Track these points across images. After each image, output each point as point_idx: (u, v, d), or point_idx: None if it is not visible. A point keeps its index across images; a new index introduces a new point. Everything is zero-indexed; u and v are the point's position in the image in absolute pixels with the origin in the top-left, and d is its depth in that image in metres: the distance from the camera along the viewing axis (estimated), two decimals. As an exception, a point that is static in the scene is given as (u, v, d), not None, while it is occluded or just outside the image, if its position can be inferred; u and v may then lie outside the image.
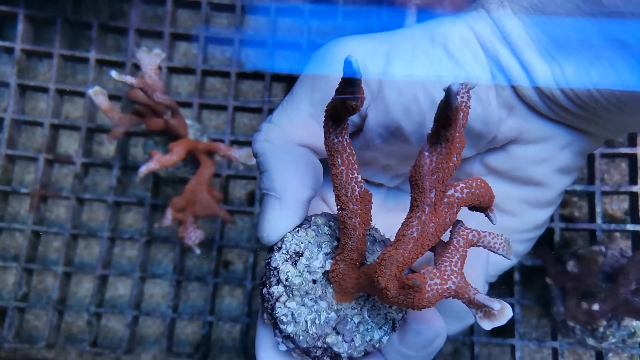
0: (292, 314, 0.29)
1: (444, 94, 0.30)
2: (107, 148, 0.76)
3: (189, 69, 0.76)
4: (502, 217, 0.35)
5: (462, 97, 0.26)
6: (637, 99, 0.28)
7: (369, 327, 0.30)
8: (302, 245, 0.30)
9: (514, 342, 0.66)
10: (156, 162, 0.56)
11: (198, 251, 0.61)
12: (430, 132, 0.24)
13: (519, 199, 0.35)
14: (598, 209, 0.67)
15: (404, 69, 0.31)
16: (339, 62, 0.31)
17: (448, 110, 0.22)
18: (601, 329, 0.58)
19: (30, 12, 0.74)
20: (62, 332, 0.72)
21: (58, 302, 0.70)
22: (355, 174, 0.26)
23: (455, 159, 0.24)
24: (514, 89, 0.31)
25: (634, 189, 0.67)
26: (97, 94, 0.59)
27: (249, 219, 0.75)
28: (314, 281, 0.30)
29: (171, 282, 0.71)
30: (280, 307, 0.29)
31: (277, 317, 0.29)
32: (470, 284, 0.26)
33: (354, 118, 0.33)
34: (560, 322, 0.62)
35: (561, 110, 0.31)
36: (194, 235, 0.60)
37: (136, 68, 0.74)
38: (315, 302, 0.29)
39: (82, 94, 0.75)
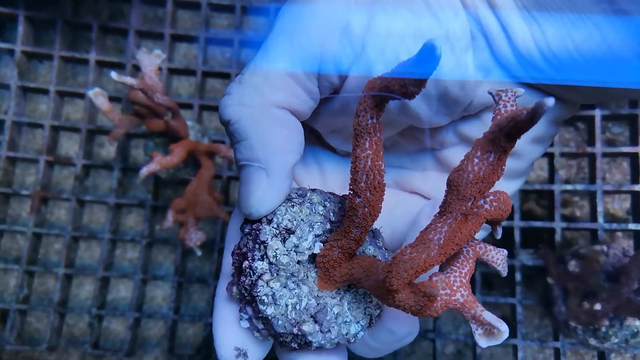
0: (274, 295, 0.27)
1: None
2: (108, 150, 0.76)
3: (189, 70, 0.75)
4: None
5: (512, 107, 0.24)
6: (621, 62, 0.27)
7: (347, 319, 0.28)
8: (294, 222, 0.28)
9: (517, 343, 0.66)
10: (157, 163, 0.56)
11: (199, 253, 0.60)
12: (484, 136, 0.22)
13: None
14: (600, 209, 0.67)
15: (386, 23, 0.29)
16: (322, 14, 0.28)
17: (525, 124, 0.20)
18: (603, 329, 0.58)
19: (30, 14, 0.74)
20: (63, 334, 0.72)
21: (59, 304, 0.70)
22: (380, 162, 0.24)
23: (501, 171, 0.23)
24: (492, 50, 0.30)
25: (636, 188, 0.67)
26: (98, 96, 0.59)
27: (250, 220, 0.75)
28: (299, 262, 0.28)
29: (172, 284, 0.71)
30: (262, 286, 0.27)
31: (256, 295, 0.27)
32: (476, 299, 0.26)
33: (333, 79, 0.30)
34: (562, 322, 0.62)
35: (536, 72, 0.30)
36: (195, 237, 0.60)
37: (136, 69, 0.74)
38: (297, 285, 0.27)
39: (82, 96, 0.75)
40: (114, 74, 0.54)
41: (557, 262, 0.62)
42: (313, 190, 0.30)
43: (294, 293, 0.27)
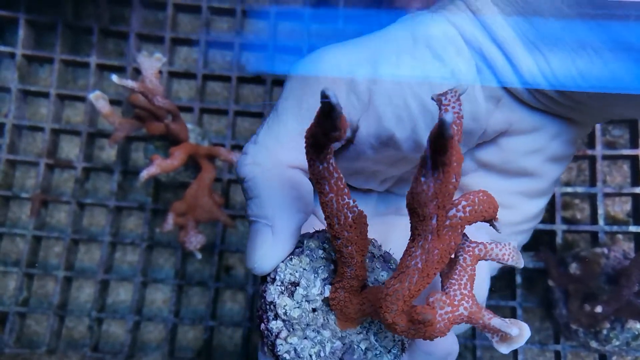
0: (295, 350, 0.27)
1: (433, 97, 0.29)
2: (108, 153, 0.76)
3: (189, 74, 0.76)
4: (498, 212, 0.35)
5: (454, 108, 0.24)
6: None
7: (378, 352, 0.28)
8: (297, 274, 0.28)
9: (517, 345, 0.66)
10: (157, 166, 0.56)
11: (199, 256, 0.60)
12: (424, 155, 0.22)
13: (513, 192, 0.35)
14: (600, 211, 0.67)
15: (391, 74, 0.30)
16: (327, 73, 0.30)
17: (442, 140, 0.20)
18: (604, 332, 0.58)
19: (31, 18, 0.74)
20: (63, 337, 0.72)
21: (59, 307, 0.70)
22: (346, 200, 0.24)
23: (454, 180, 0.22)
24: (499, 81, 0.31)
25: (636, 190, 0.67)
26: (98, 99, 0.59)
27: (250, 223, 0.75)
28: (314, 310, 0.28)
29: (173, 287, 0.71)
30: (281, 345, 0.27)
31: (279, 354, 0.27)
32: (483, 307, 0.25)
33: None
34: (563, 325, 0.62)
35: (547, 100, 0.31)
36: (195, 240, 0.60)
37: (137, 73, 0.74)
38: (318, 332, 0.27)
39: (83, 99, 0.75)
40: (114, 77, 0.54)
41: (558, 265, 0.62)
42: (310, 235, 0.30)
43: (316, 341, 0.27)
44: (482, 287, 0.34)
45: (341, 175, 0.24)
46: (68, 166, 0.75)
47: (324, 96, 0.20)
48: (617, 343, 0.58)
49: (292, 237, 0.29)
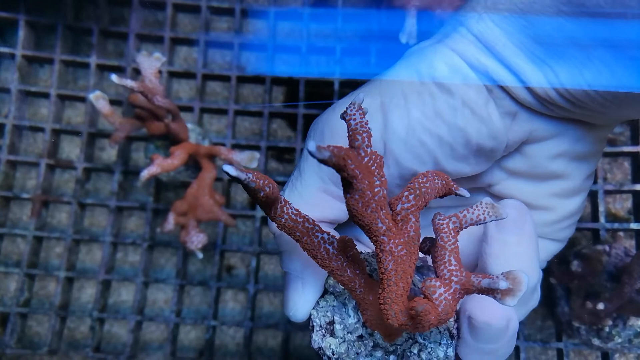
0: None
1: (447, 128, 0.30)
2: (109, 153, 0.76)
3: (189, 74, 0.76)
4: (537, 214, 0.35)
5: (355, 119, 0.25)
6: (634, 95, 0.28)
7: (430, 349, 0.29)
8: (329, 314, 0.30)
9: (519, 344, 0.66)
10: (157, 166, 0.56)
11: (201, 255, 0.60)
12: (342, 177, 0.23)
13: (547, 194, 0.35)
14: (601, 208, 0.67)
15: (402, 118, 0.31)
16: (338, 134, 0.32)
17: (338, 163, 0.22)
18: (607, 329, 0.58)
19: (31, 19, 0.74)
20: (64, 338, 0.72)
21: (60, 308, 0.70)
22: (320, 235, 0.26)
23: (378, 181, 0.24)
24: (513, 96, 0.31)
25: (637, 187, 0.67)
26: (98, 99, 0.59)
27: (251, 223, 0.74)
28: (360, 337, 0.29)
29: (174, 286, 0.71)
30: None
31: None
32: (472, 273, 0.25)
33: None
34: (565, 323, 0.62)
35: (560, 110, 0.31)
36: (196, 240, 0.60)
37: (137, 73, 0.74)
38: (371, 355, 0.29)
39: (83, 99, 0.75)
40: (114, 77, 0.54)
41: (560, 262, 0.62)
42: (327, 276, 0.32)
43: None
44: (532, 272, 0.34)
45: (307, 217, 0.26)
46: (68, 166, 0.75)
47: (225, 172, 0.23)
48: (620, 340, 0.58)
49: (320, 285, 0.31)
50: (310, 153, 0.22)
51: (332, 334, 0.29)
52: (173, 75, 0.77)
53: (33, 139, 0.77)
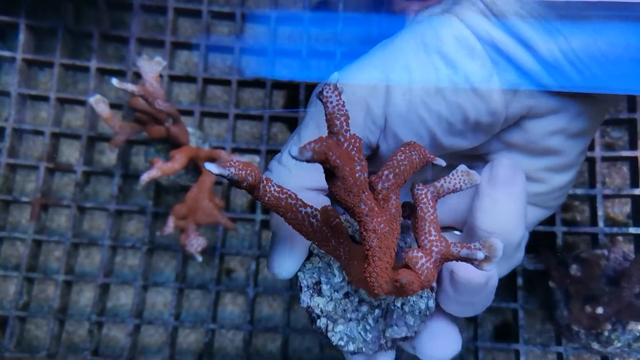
0: (346, 335, 0.30)
1: (446, 105, 0.31)
2: (109, 156, 0.76)
3: (190, 77, 0.76)
4: (528, 185, 0.36)
5: (331, 102, 0.25)
6: None
7: (412, 302, 0.31)
8: (315, 275, 0.31)
9: (518, 348, 0.66)
10: (158, 169, 0.56)
11: (200, 259, 0.60)
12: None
13: (542, 168, 0.35)
14: (600, 213, 0.67)
15: (404, 94, 0.31)
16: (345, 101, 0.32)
17: (319, 158, 0.23)
18: (606, 333, 0.58)
19: (31, 22, 0.74)
20: (63, 341, 0.71)
21: (59, 311, 0.70)
22: (304, 210, 0.27)
23: (358, 166, 0.25)
24: (517, 67, 0.31)
25: (636, 192, 0.67)
26: (98, 102, 0.59)
27: (250, 226, 0.74)
28: (347, 294, 0.31)
29: (173, 290, 0.71)
30: (333, 335, 0.30)
31: (335, 345, 0.30)
32: (451, 243, 0.26)
33: (364, 150, 0.33)
34: (565, 327, 0.62)
35: (567, 81, 0.31)
36: (195, 243, 0.60)
37: (137, 77, 0.74)
38: (357, 310, 0.30)
39: (83, 103, 0.75)
40: (114, 81, 0.54)
41: (559, 266, 0.62)
42: None
43: (358, 318, 0.31)
44: (516, 232, 0.34)
45: (290, 193, 0.27)
46: (68, 170, 0.75)
47: (208, 170, 0.24)
48: (619, 345, 0.58)
49: (307, 248, 0.32)
50: (295, 158, 0.22)
51: (320, 293, 0.31)
52: (174, 79, 0.77)
53: (33, 142, 0.77)
